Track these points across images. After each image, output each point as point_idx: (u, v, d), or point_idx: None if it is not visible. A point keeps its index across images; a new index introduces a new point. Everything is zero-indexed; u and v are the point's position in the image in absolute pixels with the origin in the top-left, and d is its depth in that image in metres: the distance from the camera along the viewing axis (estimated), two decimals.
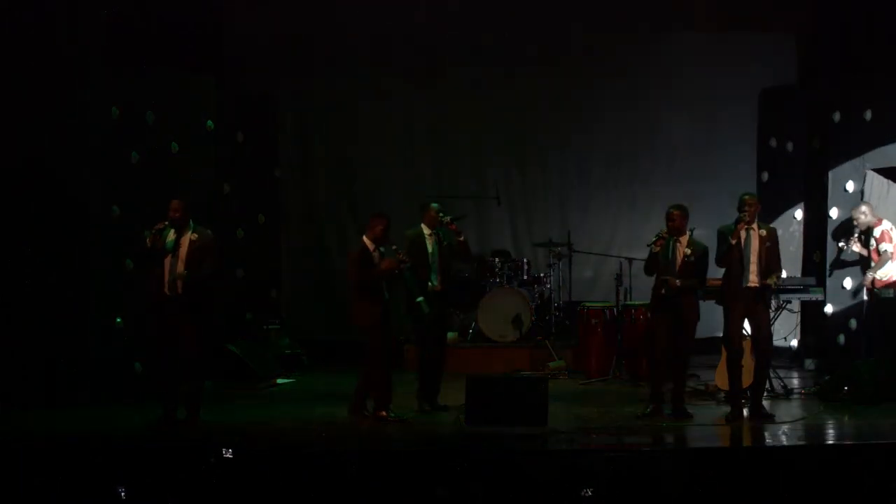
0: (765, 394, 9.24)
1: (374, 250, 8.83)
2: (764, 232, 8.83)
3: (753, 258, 8.77)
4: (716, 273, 9.12)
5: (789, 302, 10.27)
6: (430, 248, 9.34)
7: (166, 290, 8.53)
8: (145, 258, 8.73)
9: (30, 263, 9.57)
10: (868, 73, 11.20)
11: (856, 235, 10.75)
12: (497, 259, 12.56)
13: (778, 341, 10.81)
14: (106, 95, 9.95)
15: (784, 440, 8.28)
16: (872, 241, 10.54)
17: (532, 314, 12.03)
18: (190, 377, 8.65)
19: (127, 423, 8.74)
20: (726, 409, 9.07)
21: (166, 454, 7.71)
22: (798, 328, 11.70)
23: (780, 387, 10.05)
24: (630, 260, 11.64)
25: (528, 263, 12.75)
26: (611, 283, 11.69)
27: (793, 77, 12.58)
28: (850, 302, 11.06)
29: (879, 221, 10.60)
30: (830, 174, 11.24)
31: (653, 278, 9.04)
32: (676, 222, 8.89)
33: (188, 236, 8.58)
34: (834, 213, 11.21)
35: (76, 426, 8.70)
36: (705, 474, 7.46)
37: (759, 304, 8.84)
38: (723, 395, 9.64)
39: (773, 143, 12.45)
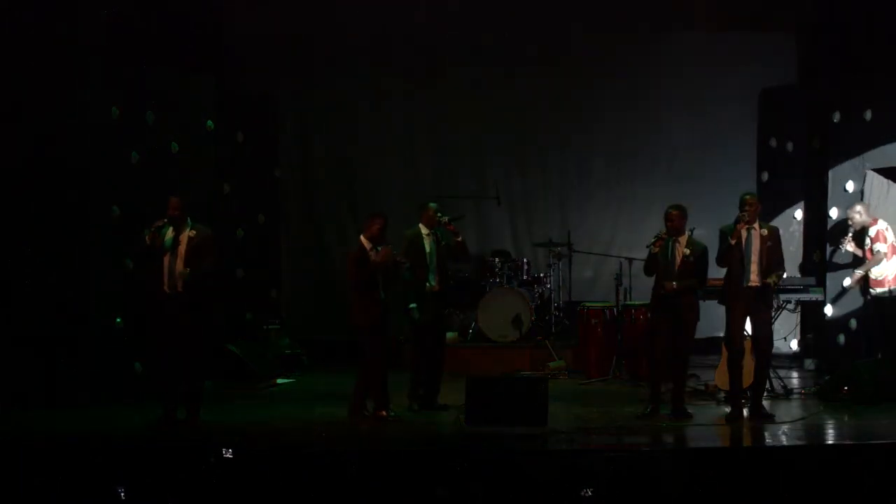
0: (765, 394, 9.24)
1: (371, 249, 8.83)
2: (765, 231, 8.82)
3: (754, 258, 8.76)
4: (718, 273, 9.12)
5: (789, 302, 10.26)
6: (427, 248, 9.35)
7: (166, 287, 8.53)
8: (145, 257, 8.73)
9: (30, 263, 9.57)
10: (868, 73, 11.20)
11: (850, 235, 10.74)
12: (497, 259, 12.57)
13: (778, 341, 10.80)
14: (106, 95, 9.95)
15: (784, 440, 8.28)
16: (867, 241, 10.53)
17: (532, 314, 12.03)
18: (190, 377, 8.65)
19: (127, 423, 8.73)
20: (726, 409, 9.08)
21: (166, 454, 7.70)
22: (798, 328, 11.70)
23: (780, 387, 10.05)
24: (630, 260, 11.64)
25: (528, 263, 12.76)
26: (611, 283, 11.70)
27: (793, 77, 12.58)
28: (849, 302, 11.06)
29: (875, 221, 10.59)
30: (830, 174, 11.24)
31: (652, 278, 9.04)
32: (675, 222, 8.88)
33: (186, 234, 8.58)
34: (834, 213, 11.21)
35: (76, 426, 8.70)
36: (705, 474, 7.46)
37: (760, 303, 8.84)
38: (723, 395, 9.65)
39: (773, 142, 12.45)
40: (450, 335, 11.33)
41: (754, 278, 8.76)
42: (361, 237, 8.92)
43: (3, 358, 9.35)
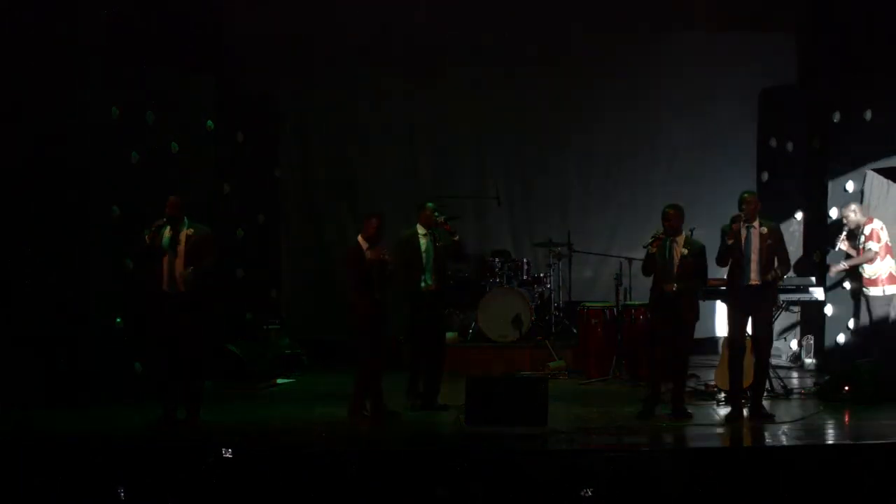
0: (765, 394, 9.24)
1: (367, 249, 8.84)
2: (765, 230, 8.80)
3: (754, 256, 8.75)
4: (719, 273, 9.11)
5: (789, 302, 10.25)
6: (424, 248, 9.36)
7: (165, 286, 8.53)
8: (145, 257, 8.74)
9: (30, 263, 9.57)
10: (868, 73, 11.20)
11: (844, 234, 10.73)
12: (497, 259, 12.57)
13: (778, 341, 10.81)
14: (106, 95, 9.96)
15: (784, 440, 8.28)
16: (861, 238, 10.52)
17: (532, 314, 12.03)
18: (190, 377, 8.65)
19: (127, 423, 8.74)
20: (726, 409, 9.08)
21: (166, 454, 7.71)
22: (798, 328, 11.70)
23: (780, 387, 10.05)
24: (630, 260, 11.64)
25: (528, 263, 12.75)
26: (611, 283, 11.69)
27: (793, 77, 12.59)
28: (849, 302, 11.05)
29: (870, 220, 10.59)
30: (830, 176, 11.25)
31: (651, 278, 9.04)
32: (672, 222, 8.85)
33: (185, 232, 8.59)
34: (834, 213, 11.21)
35: (76, 426, 8.70)
36: (705, 474, 7.47)
37: (761, 302, 8.83)
38: (723, 395, 9.64)
39: (773, 143, 12.45)
40: (450, 335, 11.34)
41: (755, 277, 8.76)
42: (359, 237, 8.93)
43: (3, 358, 9.35)
